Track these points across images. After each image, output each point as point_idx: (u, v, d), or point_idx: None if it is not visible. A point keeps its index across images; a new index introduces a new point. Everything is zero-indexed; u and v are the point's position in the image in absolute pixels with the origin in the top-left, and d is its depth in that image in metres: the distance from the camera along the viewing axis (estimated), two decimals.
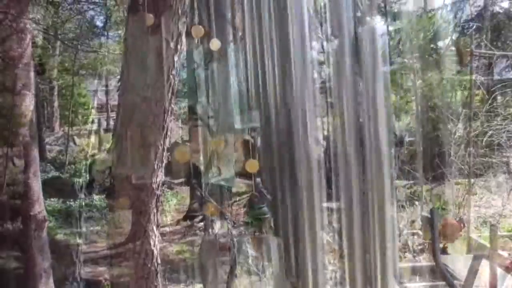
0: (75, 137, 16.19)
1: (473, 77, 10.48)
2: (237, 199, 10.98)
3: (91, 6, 14.14)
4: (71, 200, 11.02)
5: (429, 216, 8.60)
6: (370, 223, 1.96)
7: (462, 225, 8.15)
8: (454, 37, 11.84)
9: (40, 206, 6.38)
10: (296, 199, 2.08)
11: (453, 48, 10.96)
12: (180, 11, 4.29)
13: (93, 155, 13.20)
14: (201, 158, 4.73)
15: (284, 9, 2.07)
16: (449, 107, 10.91)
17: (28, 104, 5.15)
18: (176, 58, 4.82)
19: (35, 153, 6.04)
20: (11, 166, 5.40)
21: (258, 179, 2.85)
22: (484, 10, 12.26)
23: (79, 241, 9.09)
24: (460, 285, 6.28)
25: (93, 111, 16.06)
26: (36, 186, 6.21)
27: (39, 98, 12.91)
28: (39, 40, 12.09)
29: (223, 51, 2.92)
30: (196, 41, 3.13)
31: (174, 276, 8.34)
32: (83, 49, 14.28)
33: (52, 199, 11.04)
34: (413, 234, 8.47)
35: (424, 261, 7.58)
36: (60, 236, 9.90)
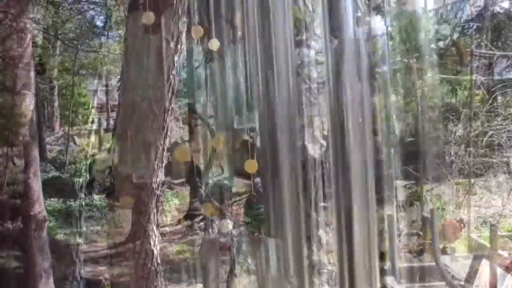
0: (75, 137, 16.20)
1: (473, 77, 10.48)
2: (237, 199, 10.98)
3: (91, 6, 14.15)
4: (71, 200, 11.02)
5: (429, 216, 8.60)
6: (370, 223, 1.96)
7: (462, 225, 8.15)
8: (454, 37, 11.83)
9: (40, 206, 6.39)
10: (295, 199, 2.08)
11: (453, 48, 10.96)
12: (180, 11, 4.30)
13: (93, 155, 13.20)
14: (201, 157, 4.73)
15: (267, 10, 2.10)
16: (449, 107, 10.91)
17: (28, 103, 5.16)
18: (176, 58, 4.82)
19: (35, 153, 6.05)
20: (11, 166, 5.41)
21: (258, 179, 2.85)
22: (484, 10, 12.26)
23: (79, 240, 9.10)
24: (460, 285, 6.28)
25: (93, 111, 16.07)
26: (36, 186, 6.22)
27: (39, 98, 12.91)
28: (39, 40, 12.10)
29: (222, 51, 2.92)
30: (196, 41, 3.13)
31: (174, 276, 8.36)
32: (83, 49, 14.29)
33: (52, 199, 11.04)
34: (413, 234, 8.47)
35: (424, 261, 7.57)
36: (60, 236, 9.90)
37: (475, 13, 12.50)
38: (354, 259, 1.83)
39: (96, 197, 11.92)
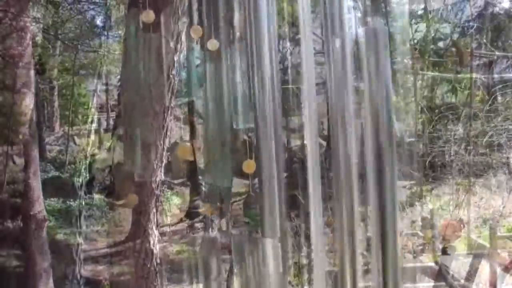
0: (75, 137, 16.20)
1: (473, 77, 10.48)
2: (237, 199, 11.00)
3: (92, 6, 14.15)
4: (71, 199, 11.02)
5: (429, 216, 8.61)
6: (373, 223, 1.95)
7: (462, 225, 8.15)
8: (454, 38, 11.84)
9: (40, 205, 6.39)
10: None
11: (454, 49, 10.96)
12: (180, 10, 4.30)
13: (93, 155, 13.21)
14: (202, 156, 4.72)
15: (256, 10, 2.12)
16: (449, 107, 10.91)
17: (28, 103, 5.16)
18: (176, 58, 4.82)
19: (35, 152, 6.05)
20: (12, 165, 5.42)
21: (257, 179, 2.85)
22: (485, 10, 12.26)
23: (79, 240, 9.10)
24: (459, 286, 6.28)
25: (93, 110, 16.07)
26: (36, 185, 6.22)
27: (39, 97, 12.91)
28: (39, 39, 12.10)
29: (221, 51, 2.92)
30: (196, 41, 3.13)
31: (174, 276, 8.36)
32: (83, 49, 14.29)
33: (52, 199, 11.05)
34: (413, 234, 8.47)
35: (424, 261, 7.57)
36: (60, 236, 9.91)
37: (475, 14, 12.50)
38: (356, 259, 1.83)
39: (96, 196, 11.93)
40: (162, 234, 8.24)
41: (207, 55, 2.98)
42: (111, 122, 17.45)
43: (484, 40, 11.67)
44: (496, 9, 12.34)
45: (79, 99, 17.57)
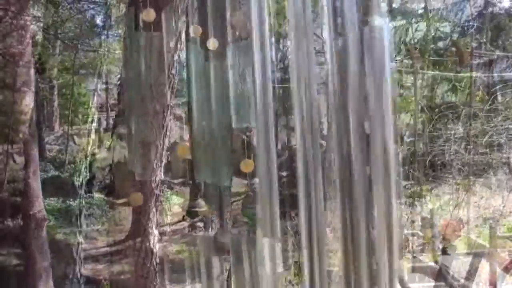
0: (75, 137, 16.18)
1: (473, 77, 10.48)
2: (237, 199, 11.01)
3: (91, 6, 14.14)
4: (71, 199, 11.02)
5: (429, 216, 8.61)
6: (376, 222, 1.95)
7: (461, 225, 8.16)
8: (454, 37, 11.84)
9: (40, 205, 6.40)
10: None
11: (454, 49, 10.96)
12: (180, 10, 4.30)
13: (93, 154, 13.21)
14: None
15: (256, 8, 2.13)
16: (450, 107, 10.91)
17: (28, 101, 5.16)
18: (176, 57, 4.82)
19: (35, 152, 6.05)
20: (12, 163, 5.43)
21: (257, 179, 2.85)
22: (485, 9, 12.26)
23: (79, 239, 9.10)
24: (459, 285, 6.28)
25: (94, 110, 16.07)
26: (36, 185, 6.22)
27: (39, 97, 12.91)
28: (39, 38, 12.10)
29: (220, 50, 2.92)
30: (195, 41, 3.13)
31: (174, 276, 8.35)
32: (83, 48, 14.28)
33: (51, 199, 11.04)
34: (413, 234, 8.48)
35: (424, 261, 7.58)
36: (60, 235, 9.90)
37: (475, 13, 12.50)
38: (361, 259, 1.82)
39: (96, 195, 11.93)
40: (162, 233, 8.24)
41: (207, 54, 2.98)
42: (111, 121, 17.44)
43: (484, 40, 11.67)
44: (496, 8, 12.34)
45: (79, 99, 17.54)
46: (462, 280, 6.33)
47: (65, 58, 15.97)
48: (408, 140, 10.33)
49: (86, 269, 8.50)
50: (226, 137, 3.04)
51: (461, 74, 10.65)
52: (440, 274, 6.40)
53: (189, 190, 12.23)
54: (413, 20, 11.03)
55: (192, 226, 11.20)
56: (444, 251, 7.36)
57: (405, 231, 8.36)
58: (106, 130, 17.16)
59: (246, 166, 2.58)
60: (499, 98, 11.37)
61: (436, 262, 7.17)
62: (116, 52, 13.59)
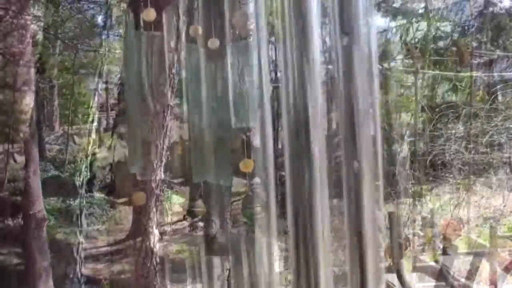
0: (75, 136, 16.18)
1: (474, 76, 10.48)
2: (237, 199, 11.00)
3: (92, 6, 14.13)
4: (71, 199, 11.02)
5: (429, 216, 8.60)
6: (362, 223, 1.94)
7: (462, 225, 8.15)
8: (454, 37, 11.84)
9: (40, 205, 6.40)
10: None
11: (454, 48, 10.95)
12: (180, 10, 4.29)
13: (94, 153, 13.21)
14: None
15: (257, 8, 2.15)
16: (450, 106, 10.91)
17: (29, 101, 5.16)
18: (176, 57, 4.82)
19: (35, 151, 6.06)
20: (12, 163, 5.43)
21: (258, 179, 2.85)
22: (485, 9, 12.25)
23: (80, 239, 9.10)
24: (459, 285, 6.28)
25: (94, 109, 16.07)
26: (36, 185, 6.22)
27: (39, 97, 12.91)
28: (40, 37, 12.10)
29: (220, 50, 2.92)
30: (196, 41, 3.13)
31: (174, 275, 8.35)
32: (83, 48, 14.27)
33: (51, 198, 11.03)
34: (414, 234, 8.47)
35: (424, 261, 7.57)
36: (60, 235, 9.90)
37: (476, 13, 12.49)
38: (367, 259, 1.81)
39: (96, 194, 11.93)
40: (162, 233, 8.24)
41: (207, 54, 2.98)
42: (111, 121, 17.43)
43: (485, 39, 11.67)
44: (497, 8, 12.33)
45: (79, 98, 17.53)
46: (463, 280, 6.33)
47: (65, 58, 15.97)
48: (408, 139, 10.33)
49: (86, 269, 8.50)
50: (225, 137, 3.04)
51: (462, 74, 10.64)
52: (441, 274, 6.40)
53: (189, 190, 12.23)
54: (414, 19, 11.02)
55: (193, 226, 11.19)
56: (445, 251, 7.36)
57: (406, 231, 8.36)
58: (106, 129, 17.14)
59: (246, 165, 2.59)
60: (500, 97, 11.36)
61: (436, 261, 7.17)
62: (117, 51, 13.58)
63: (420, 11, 11.50)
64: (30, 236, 6.23)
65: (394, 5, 11.52)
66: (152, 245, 5.32)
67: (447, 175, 10.06)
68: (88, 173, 11.62)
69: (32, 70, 5.09)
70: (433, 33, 11.08)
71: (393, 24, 11.41)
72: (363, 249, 1.80)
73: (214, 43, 2.85)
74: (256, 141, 2.51)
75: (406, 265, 7.01)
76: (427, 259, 7.53)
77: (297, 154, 1.76)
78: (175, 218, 11.53)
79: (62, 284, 7.53)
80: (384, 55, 10.21)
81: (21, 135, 5.31)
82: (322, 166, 1.77)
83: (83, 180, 10.89)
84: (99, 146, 14.31)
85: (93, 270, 8.83)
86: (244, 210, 10.57)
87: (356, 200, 1.82)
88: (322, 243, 1.71)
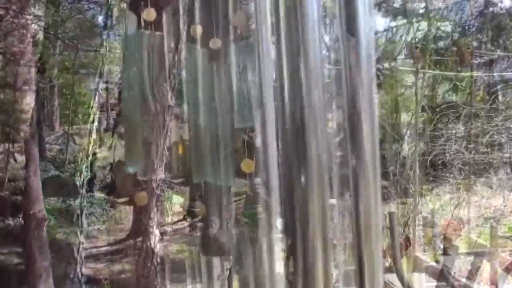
0: (75, 136, 16.18)
1: (474, 76, 10.48)
2: (238, 199, 10.97)
3: (92, 6, 14.14)
4: (71, 199, 11.02)
5: (429, 216, 8.60)
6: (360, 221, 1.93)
7: (462, 225, 8.15)
8: (455, 37, 11.84)
9: (40, 205, 6.40)
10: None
11: (454, 48, 10.95)
12: (181, 9, 4.29)
13: (94, 153, 13.21)
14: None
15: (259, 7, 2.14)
16: (450, 106, 10.91)
17: (29, 100, 5.17)
18: (176, 57, 4.81)
19: (35, 151, 6.06)
20: (13, 162, 5.42)
21: (258, 179, 2.85)
22: (485, 9, 12.25)
23: (80, 238, 9.10)
24: (460, 285, 6.27)
25: (95, 109, 16.07)
26: (36, 184, 6.22)
27: (39, 96, 12.91)
28: (40, 37, 12.11)
29: (222, 50, 2.92)
30: (197, 41, 3.12)
31: (175, 275, 8.35)
32: (83, 48, 14.28)
33: (52, 198, 11.04)
34: (414, 234, 8.47)
35: (425, 261, 7.57)
36: (60, 235, 9.90)
37: (476, 13, 12.49)
38: (367, 259, 1.80)
39: (97, 194, 11.94)
40: (162, 233, 8.24)
41: (208, 54, 2.97)
42: (111, 121, 17.44)
43: (485, 39, 11.67)
44: (497, 8, 12.32)
45: (79, 98, 17.54)
46: (464, 280, 6.32)
47: (65, 58, 15.98)
48: (408, 139, 10.32)
49: (87, 268, 8.50)
50: (227, 137, 3.04)
51: (462, 74, 10.64)
52: (441, 274, 6.39)
53: (189, 190, 12.23)
54: (414, 19, 11.02)
55: (193, 226, 11.19)
56: (445, 251, 7.35)
57: (406, 231, 8.35)
58: (106, 129, 17.15)
59: (247, 166, 2.58)
60: (500, 97, 11.36)
61: (437, 261, 7.16)
62: (117, 51, 13.58)
63: (421, 11, 11.50)
64: (31, 236, 6.23)
65: (395, 5, 11.53)
66: (152, 245, 5.32)
67: (447, 175, 10.06)
68: (89, 173, 11.61)
69: (33, 70, 5.09)
70: (434, 33, 11.08)
71: (393, 24, 11.41)
72: (363, 249, 1.79)
73: (216, 43, 2.84)
74: (258, 141, 2.51)
75: (406, 265, 7.01)
76: (427, 259, 7.52)
77: (293, 154, 1.75)
78: (175, 218, 11.53)
79: (63, 284, 7.52)
80: (384, 55, 10.21)
81: (22, 134, 5.31)
82: (320, 166, 1.77)
83: (83, 180, 10.89)
84: (100, 146, 14.31)
85: (93, 270, 8.83)
86: (245, 210, 10.55)
87: (356, 200, 1.81)
88: (321, 243, 1.70)
